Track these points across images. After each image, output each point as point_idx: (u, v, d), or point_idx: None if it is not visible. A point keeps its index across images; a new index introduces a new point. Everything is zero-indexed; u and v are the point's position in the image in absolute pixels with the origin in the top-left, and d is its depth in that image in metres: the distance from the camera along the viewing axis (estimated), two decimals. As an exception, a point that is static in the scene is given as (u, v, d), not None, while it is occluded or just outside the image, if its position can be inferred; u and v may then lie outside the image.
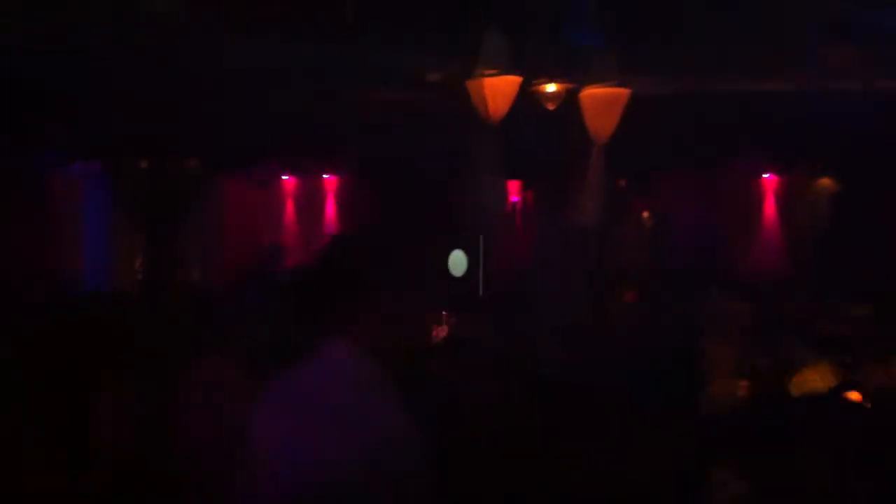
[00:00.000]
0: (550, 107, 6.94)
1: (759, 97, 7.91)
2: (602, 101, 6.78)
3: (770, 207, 12.05)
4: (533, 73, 6.75)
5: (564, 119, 7.09)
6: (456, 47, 6.46)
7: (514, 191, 12.51)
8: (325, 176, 13.46)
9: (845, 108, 7.57)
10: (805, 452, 2.27)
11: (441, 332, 7.22)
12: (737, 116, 8.29)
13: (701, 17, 6.10)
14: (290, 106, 8.24)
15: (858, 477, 2.13)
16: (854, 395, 4.54)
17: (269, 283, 8.37)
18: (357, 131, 9.12)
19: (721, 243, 11.11)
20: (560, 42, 6.61)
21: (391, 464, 1.99)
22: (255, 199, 12.85)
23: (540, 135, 7.57)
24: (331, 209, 13.38)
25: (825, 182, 11.39)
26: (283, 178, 13.40)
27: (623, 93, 6.74)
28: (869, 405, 4.44)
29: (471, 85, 6.51)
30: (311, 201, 13.40)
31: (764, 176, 12.06)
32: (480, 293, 10.93)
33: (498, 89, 6.43)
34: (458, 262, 11.19)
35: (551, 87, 6.91)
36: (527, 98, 6.78)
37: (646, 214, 12.23)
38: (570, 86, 6.90)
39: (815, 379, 4.95)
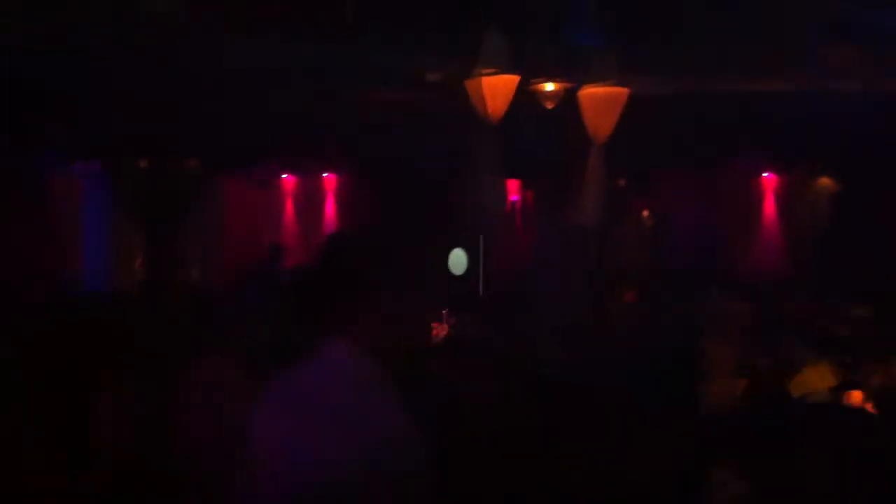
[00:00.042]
0: (549, 106, 6.95)
1: (758, 97, 7.92)
2: (601, 100, 6.78)
3: (770, 207, 12.05)
4: (531, 73, 6.76)
5: (564, 118, 7.10)
6: (455, 47, 6.46)
7: (513, 190, 12.51)
8: (324, 175, 13.48)
9: (845, 108, 7.58)
10: (805, 453, 2.27)
11: (441, 331, 7.23)
12: (736, 116, 8.30)
13: (701, 17, 6.10)
14: (289, 106, 8.25)
15: (859, 478, 2.13)
16: (855, 395, 4.55)
17: (268, 283, 8.38)
18: (357, 131, 9.14)
19: (721, 243, 11.12)
20: (559, 41, 6.61)
21: (391, 464, 1.99)
22: (255, 199, 12.88)
23: (539, 134, 7.58)
24: (331, 209, 13.40)
25: (825, 182, 11.39)
26: (283, 177, 13.43)
27: (622, 92, 6.74)
28: (869, 405, 4.45)
29: (469, 84, 6.51)
30: (312, 201, 13.42)
31: (763, 176, 12.06)
32: (481, 292, 10.94)
33: (496, 89, 6.44)
34: (458, 261, 11.19)
35: (550, 87, 6.91)
36: (526, 97, 6.79)
37: (646, 214, 12.23)
38: (568, 85, 6.90)
39: (815, 379, 4.96)
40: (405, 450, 2.02)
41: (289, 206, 13.49)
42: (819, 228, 11.09)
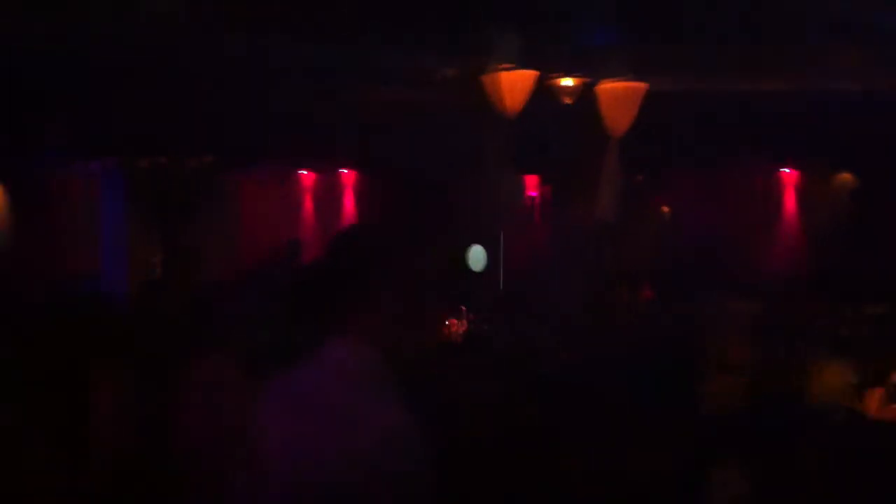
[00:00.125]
0: (567, 101, 6.94)
1: (774, 95, 7.93)
2: (619, 95, 6.76)
3: (784, 205, 12.03)
4: (549, 68, 6.75)
5: (581, 113, 7.09)
6: (472, 43, 6.44)
7: (532, 186, 12.49)
8: (342, 172, 13.51)
9: (863, 106, 7.58)
10: (809, 453, 2.27)
11: (461, 327, 7.26)
12: (752, 114, 8.31)
13: (716, 16, 6.07)
14: (302, 103, 8.27)
15: (859, 478, 2.13)
16: (877, 393, 4.54)
17: (272, 281, 8.37)
18: (369, 129, 9.17)
19: (736, 242, 11.07)
20: (577, 37, 6.58)
21: (391, 464, 1.98)
22: (273, 195, 12.91)
23: (558, 130, 7.57)
24: (349, 204, 13.44)
25: (844, 178, 11.32)
26: (299, 174, 13.47)
27: (640, 87, 6.73)
28: (893, 405, 4.44)
29: (487, 80, 6.49)
30: (329, 197, 13.45)
31: (778, 174, 12.04)
32: (501, 288, 10.93)
33: (514, 84, 6.42)
34: (477, 257, 11.17)
35: (568, 82, 6.90)
36: (543, 93, 6.77)
37: (665, 209, 12.19)
38: (586, 80, 6.89)
39: (835, 379, 4.93)
40: (405, 450, 2.01)
41: (307, 202, 13.53)
42: (837, 225, 11.03)
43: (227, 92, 7.96)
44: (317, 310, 2.20)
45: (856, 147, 9.49)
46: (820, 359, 5.02)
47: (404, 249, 2.19)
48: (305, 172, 13.57)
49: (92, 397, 2.42)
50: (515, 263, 11.29)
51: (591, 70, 6.86)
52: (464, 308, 7.57)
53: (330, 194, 13.55)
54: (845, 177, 11.35)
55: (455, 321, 7.43)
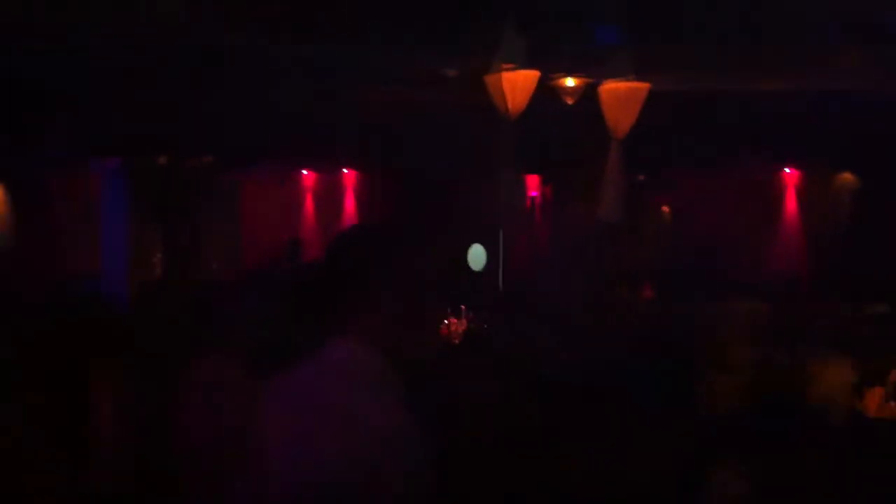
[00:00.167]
0: (569, 101, 6.93)
1: (774, 95, 7.93)
2: (622, 95, 6.75)
3: (785, 205, 12.02)
4: (552, 68, 6.73)
5: (583, 113, 7.08)
6: (475, 43, 6.44)
7: (533, 186, 12.50)
8: (343, 171, 13.52)
9: (865, 106, 7.58)
10: (809, 453, 2.27)
11: (460, 326, 7.27)
12: (752, 114, 8.31)
13: (720, 16, 6.07)
14: (302, 104, 8.28)
15: (859, 479, 2.13)
16: (876, 392, 4.55)
17: (272, 281, 8.37)
18: (369, 129, 9.17)
19: (737, 242, 11.06)
20: (580, 37, 6.58)
21: (391, 464, 1.98)
22: (274, 195, 12.91)
23: (559, 130, 7.57)
24: (350, 204, 13.44)
25: (846, 178, 11.31)
26: (299, 174, 13.48)
27: (642, 87, 6.71)
28: (891, 402, 4.44)
29: (489, 80, 6.48)
30: (331, 196, 13.46)
31: (779, 174, 12.04)
32: (500, 287, 10.92)
33: (516, 84, 6.40)
34: (477, 256, 11.17)
35: (570, 82, 6.89)
36: (546, 93, 6.76)
37: (666, 209, 12.19)
38: (588, 80, 6.87)
39: (835, 378, 4.92)
40: (405, 450, 2.01)
41: (307, 202, 13.54)
42: (839, 225, 11.02)
43: (227, 92, 7.97)
44: (317, 310, 2.20)
45: (856, 147, 9.50)
46: (820, 359, 5.02)
47: (405, 249, 2.18)
48: (306, 172, 13.58)
49: (92, 397, 2.42)
50: (516, 263, 11.29)
51: (594, 70, 6.86)
52: (464, 307, 7.58)
53: (330, 194, 13.56)
54: (846, 177, 11.35)
55: (455, 320, 7.44)
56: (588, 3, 6.14)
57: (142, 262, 10.77)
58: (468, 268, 10.85)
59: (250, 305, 4.77)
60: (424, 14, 6.10)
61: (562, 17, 6.19)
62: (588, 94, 6.98)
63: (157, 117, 8.38)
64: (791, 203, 12.00)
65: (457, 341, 6.62)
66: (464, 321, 7.50)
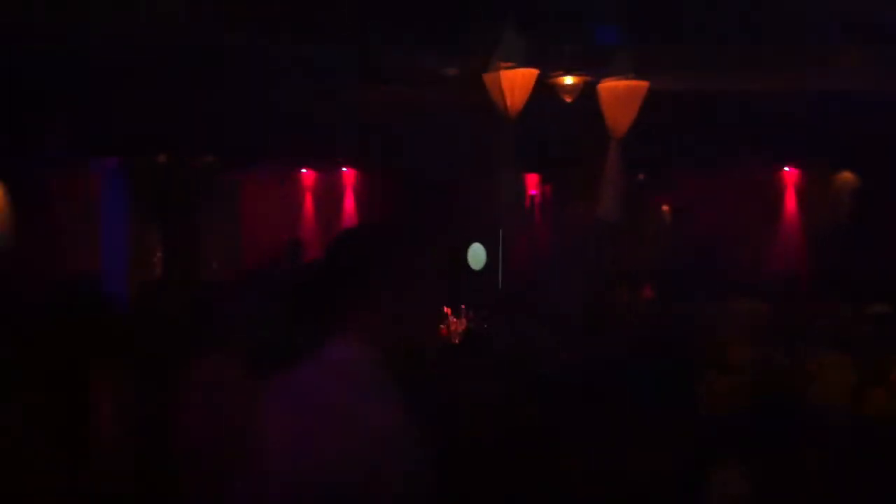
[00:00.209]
0: (568, 99, 6.92)
1: (774, 95, 7.93)
2: (620, 93, 6.74)
3: (785, 205, 12.03)
4: (551, 66, 6.73)
5: (582, 112, 7.08)
6: (474, 42, 6.43)
7: (532, 185, 12.50)
8: (343, 171, 13.53)
9: (865, 107, 7.58)
10: (809, 453, 2.27)
11: (460, 326, 7.27)
12: (752, 114, 8.31)
13: (718, 15, 6.07)
14: (302, 104, 8.28)
15: (859, 479, 2.13)
16: (877, 392, 4.55)
17: (273, 281, 8.37)
18: (369, 129, 9.17)
19: (736, 241, 11.06)
20: (579, 35, 6.58)
21: (391, 464, 1.98)
22: (274, 194, 12.92)
23: (558, 129, 7.56)
24: (350, 204, 13.45)
25: (845, 177, 11.30)
26: (299, 173, 13.49)
27: (641, 86, 6.70)
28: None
29: (487, 78, 6.47)
30: (331, 196, 13.46)
31: (778, 173, 12.04)
32: (500, 287, 10.93)
33: (515, 82, 6.39)
34: (476, 255, 11.17)
35: (569, 80, 6.88)
36: (545, 91, 6.75)
37: (666, 209, 12.19)
38: (587, 78, 6.86)
39: (836, 378, 4.93)
40: (405, 450, 2.01)
41: (308, 202, 13.54)
42: (839, 225, 11.01)
43: (227, 91, 7.97)
44: (317, 310, 2.20)
45: (856, 147, 9.50)
46: (820, 359, 5.03)
47: (405, 249, 2.18)
48: (306, 172, 13.59)
49: (92, 397, 2.42)
50: (515, 263, 11.29)
51: (593, 69, 6.85)
52: (464, 307, 7.59)
53: (330, 194, 13.56)
54: (846, 176, 11.35)
55: (455, 320, 7.45)
56: (588, 3, 6.14)
57: (142, 262, 10.77)
58: (468, 268, 10.85)
59: (250, 305, 4.77)
60: (424, 14, 6.10)
61: (561, 16, 6.19)
62: (587, 93, 6.97)
63: (157, 117, 8.37)
64: (791, 203, 12.00)
65: (457, 341, 6.64)
66: (464, 321, 7.51)
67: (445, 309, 7.44)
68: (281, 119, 8.88)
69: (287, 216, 13.01)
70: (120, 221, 10.95)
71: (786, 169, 11.92)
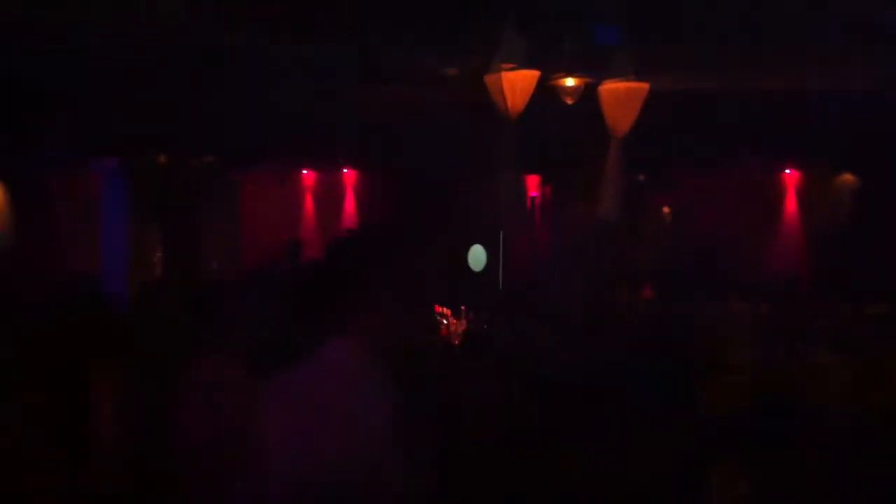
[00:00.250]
0: (569, 101, 6.92)
1: (774, 95, 7.92)
2: (621, 95, 6.74)
3: (785, 205, 12.03)
4: (552, 68, 6.72)
5: (583, 113, 7.08)
6: (475, 43, 6.43)
7: (533, 186, 12.49)
8: (344, 171, 13.53)
9: (865, 107, 7.58)
10: (809, 453, 2.27)
11: (460, 327, 7.27)
12: (752, 114, 8.31)
13: (720, 16, 6.06)
14: (302, 104, 8.28)
15: (859, 479, 2.13)
16: (876, 394, 4.54)
17: (272, 281, 8.37)
18: (370, 129, 9.17)
19: (737, 242, 11.06)
20: (580, 37, 6.57)
21: (391, 464, 1.99)
22: (274, 194, 12.92)
23: (559, 130, 7.56)
24: (350, 204, 13.45)
25: (845, 178, 11.30)
26: (299, 174, 13.50)
27: (642, 87, 6.69)
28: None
29: (489, 80, 6.47)
30: (331, 196, 13.47)
31: (779, 174, 12.04)
32: (501, 288, 10.92)
33: (516, 84, 6.39)
34: (477, 257, 11.16)
35: (570, 82, 6.87)
36: (546, 92, 6.75)
37: (666, 210, 12.18)
38: (588, 80, 6.86)
39: (833, 379, 4.93)
40: (405, 450, 2.01)
41: (308, 202, 13.55)
42: (839, 225, 11.01)
43: (227, 92, 7.97)
44: (317, 310, 2.20)
45: (856, 147, 9.49)
46: (820, 359, 5.03)
47: (404, 250, 2.19)
48: (306, 172, 13.60)
49: (92, 397, 2.42)
50: (516, 263, 11.28)
51: (594, 70, 6.86)
52: (464, 307, 7.59)
53: (330, 194, 13.56)
54: (846, 177, 11.35)
55: (455, 320, 7.45)
56: (588, 3, 6.14)
57: (142, 262, 10.77)
58: (468, 268, 10.84)
59: (250, 305, 4.77)
60: (424, 14, 6.10)
61: (562, 17, 6.19)
62: (588, 94, 6.98)
63: (157, 117, 8.37)
64: (791, 203, 12.00)
65: (457, 341, 6.63)
66: (464, 321, 7.51)
67: (445, 310, 7.45)
68: (281, 119, 8.88)
69: (287, 216, 13.01)
70: (120, 221, 10.94)
71: (786, 170, 11.92)
